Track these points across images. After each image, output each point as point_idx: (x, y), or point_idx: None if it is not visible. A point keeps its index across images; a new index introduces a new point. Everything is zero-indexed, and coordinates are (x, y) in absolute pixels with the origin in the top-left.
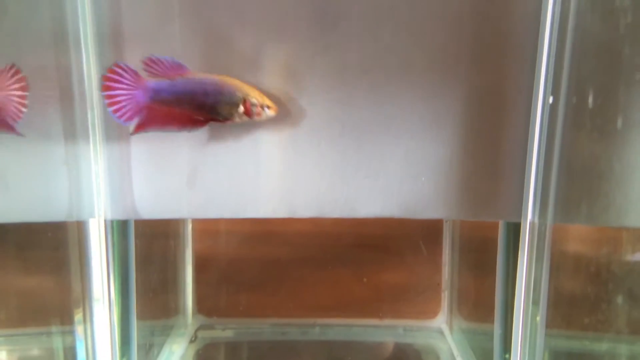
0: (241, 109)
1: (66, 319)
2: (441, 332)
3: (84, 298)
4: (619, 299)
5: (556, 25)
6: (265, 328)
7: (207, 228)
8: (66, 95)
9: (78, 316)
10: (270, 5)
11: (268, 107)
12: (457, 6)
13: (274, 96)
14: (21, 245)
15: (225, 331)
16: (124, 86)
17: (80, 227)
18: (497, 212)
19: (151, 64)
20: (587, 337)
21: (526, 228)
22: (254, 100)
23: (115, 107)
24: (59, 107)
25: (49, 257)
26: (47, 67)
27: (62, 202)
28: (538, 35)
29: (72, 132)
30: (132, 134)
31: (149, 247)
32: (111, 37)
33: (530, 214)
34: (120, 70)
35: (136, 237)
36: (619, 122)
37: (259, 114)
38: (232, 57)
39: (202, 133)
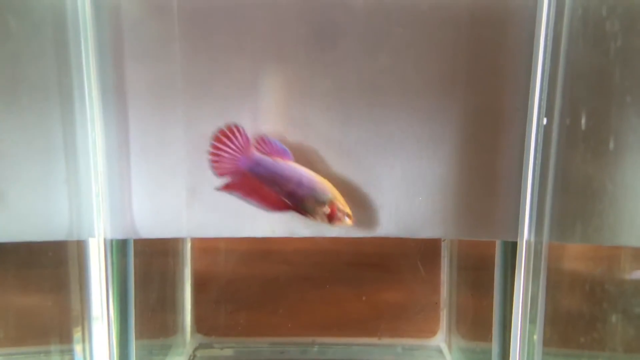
0: (327, 209)
1: (65, 338)
2: (440, 351)
3: (83, 317)
4: (615, 317)
5: (549, 49)
6: (264, 347)
7: (206, 246)
8: (67, 114)
9: (77, 335)
10: (269, 26)
11: (348, 216)
12: (453, 30)
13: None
14: (20, 263)
15: (223, 350)
16: (233, 147)
17: (80, 247)
18: (493, 231)
19: (261, 142)
20: (584, 355)
21: (522, 247)
22: (340, 206)
23: (215, 159)
24: (60, 126)
25: (49, 275)
26: (48, 83)
27: (63, 222)
28: (532, 59)
29: (73, 151)
30: (217, 189)
31: (148, 265)
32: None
33: (526, 233)
34: (235, 131)
35: (135, 256)
36: (611, 144)
37: (339, 220)
38: (231, 78)
39: (200, 154)
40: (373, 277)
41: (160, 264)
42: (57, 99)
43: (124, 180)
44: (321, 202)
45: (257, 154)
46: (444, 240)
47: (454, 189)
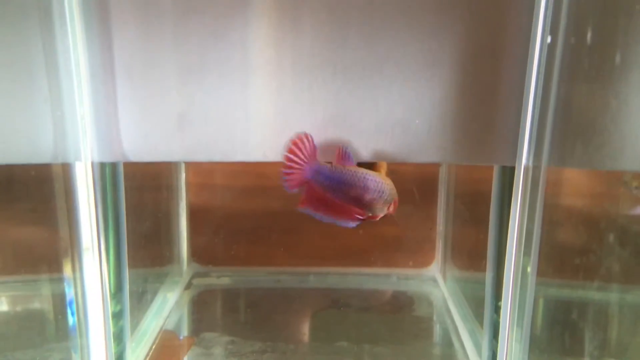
0: (391, 206)
1: (54, 267)
2: (435, 280)
3: (72, 242)
4: (607, 248)
5: None
6: (260, 276)
7: (201, 182)
8: (46, 32)
9: (67, 262)
10: None
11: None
12: None
13: None
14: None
15: (220, 279)
16: (302, 156)
17: (67, 171)
18: (491, 156)
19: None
20: (578, 286)
21: (520, 172)
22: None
23: (287, 171)
24: (40, 45)
25: (35, 204)
26: None
27: (47, 144)
28: None
29: (55, 71)
30: (298, 208)
31: (140, 198)
32: None
33: (524, 157)
34: (305, 141)
35: (128, 189)
36: (617, 59)
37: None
38: None
39: (190, 74)
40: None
41: (154, 198)
42: (35, 16)
43: (110, 103)
44: (389, 202)
45: (316, 162)
46: (442, 176)
47: (452, 113)
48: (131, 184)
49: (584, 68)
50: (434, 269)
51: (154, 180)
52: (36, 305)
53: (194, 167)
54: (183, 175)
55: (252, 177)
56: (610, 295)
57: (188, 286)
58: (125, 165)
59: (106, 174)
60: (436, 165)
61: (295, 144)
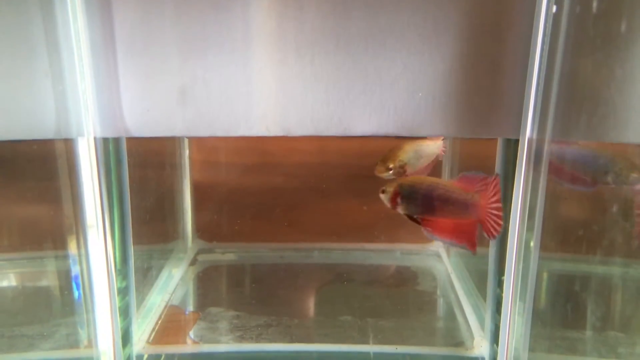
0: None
1: (59, 243)
2: (438, 256)
3: (77, 221)
4: (610, 221)
5: None
6: (265, 252)
7: (205, 159)
8: (46, 4)
9: (71, 239)
10: None
11: None
12: None
13: None
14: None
15: (225, 255)
16: None
17: (69, 148)
18: (495, 129)
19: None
20: (582, 260)
21: (524, 145)
22: None
23: None
24: (40, 18)
25: (38, 181)
26: None
27: (49, 119)
28: None
29: (55, 44)
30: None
31: (145, 176)
32: None
33: (529, 130)
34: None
35: (132, 167)
36: (623, 26)
37: None
38: None
39: (191, 48)
40: (376, 188)
41: (158, 175)
42: None
43: (111, 78)
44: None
45: None
46: (446, 153)
47: (455, 85)
48: (135, 162)
49: (590, 37)
50: (438, 244)
51: (158, 157)
52: (42, 282)
53: (197, 145)
54: (187, 153)
55: (256, 154)
56: (613, 269)
57: (193, 262)
58: (129, 142)
59: (109, 150)
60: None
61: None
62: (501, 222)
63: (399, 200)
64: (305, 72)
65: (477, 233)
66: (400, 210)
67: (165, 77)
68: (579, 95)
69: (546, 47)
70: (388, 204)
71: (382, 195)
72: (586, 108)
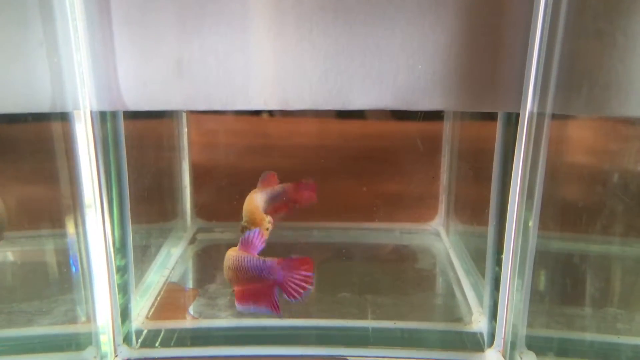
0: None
1: (57, 221)
2: (438, 234)
3: (74, 198)
4: (608, 200)
5: None
6: None
7: (204, 141)
8: None
9: (69, 217)
10: None
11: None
12: None
13: None
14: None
15: (224, 233)
16: None
17: (65, 122)
18: (496, 102)
19: None
20: (580, 239)
21: (524, 119)
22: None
23: None
24: None
25: (35, 157)
26: None
27: (45, 92)
28: None
29: (50, 15)
30: None
31: (145, 156)
32: None
33: (529, 103)
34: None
35: (131, 147)
36: None
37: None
38: None
39: (188, 19)
40: (376, 169)
41: (158, 156)
42: None
43: (107, 49)
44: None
45: None
46: (446, 134)
47: (455, 58)
48: (134, 142)
49: (592, 6)
50: (437, 223)
51: (158, 139)
52: (41, 259)
53: (196, 126)
54: (185, 133)
55: (255, 136)
56: (610, 247)
57: (192, 241)
58: (128, 122)
59: (107, 125)
60: (440, 124)
61: None
62: (305, 287)
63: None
64: (303, 45)
65: (276, 294)
66: None
67: (162, 49)
68: (581, 66)
69: (548, 18)
70: None
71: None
72: (587, 79)
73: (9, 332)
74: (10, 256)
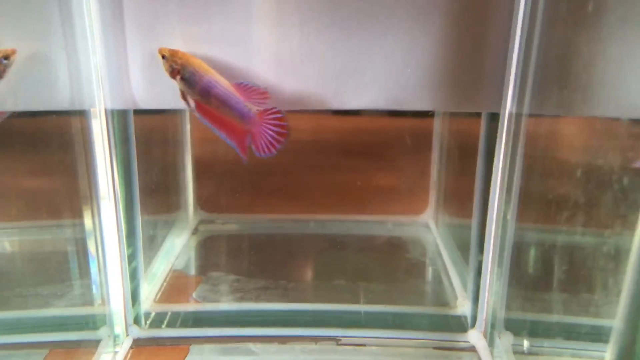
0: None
1: (75, 211)
2: (428, 227)
3: (90, 190)
4: (584, 193)
5: None
6: (263, 223)
7: (206, 136)
8: None
9: (86, 207)
10: None
11: None
12: None
13: None
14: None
15: (225, 225)
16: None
17: (83, 120)
18: (479, 103)
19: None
20: (559, 231)
21: (504, 118)
22: None
23: None
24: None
25: (54, 154)
26: None
27: (64, 91)
28: None
29: (70, 20)
30: None
31: (150, 151)
32: None
33: (509, 104)
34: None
35: (138, 143)
36: (590, 6)
37: None
38: None
39: (194, 24)
40: (370, 165)
41: (163, 151)
42: None
43: (120, 52)
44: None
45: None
46: (436, 131)
47: (442, 62)
48: (141, 138)
49: (562, 15)
50: (428, 216)
51: (162, 134)
52: (58, 247)
53: (198, 123)
54: (188, 129)
55: None
56: (584, 238)
57: (195, 232)
58: (136, 119)
59: (120, 122)
60: (431, 121)
61: None
62: (276, 146)
63: (178, 78)
64: (300, 48)
65: (247, 142)
66: (177, 84)
67: None
68: (553, 71)
69: (526, 26)
70: (166, 72)
71: (162, 60)
72: (558, 83)
73: (35, 313)
74: (29, 245)
